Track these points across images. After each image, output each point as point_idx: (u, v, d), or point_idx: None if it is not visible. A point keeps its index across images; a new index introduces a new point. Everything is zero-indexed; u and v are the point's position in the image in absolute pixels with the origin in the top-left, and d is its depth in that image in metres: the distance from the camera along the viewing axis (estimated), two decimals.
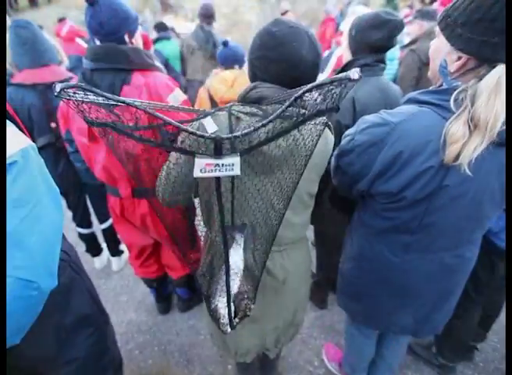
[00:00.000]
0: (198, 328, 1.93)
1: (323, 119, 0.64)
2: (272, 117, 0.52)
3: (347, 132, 0.94)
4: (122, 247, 2.42)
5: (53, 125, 1.73)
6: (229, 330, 0.79)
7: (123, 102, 0.50)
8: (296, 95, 0.52)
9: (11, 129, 0.67)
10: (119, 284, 2.30)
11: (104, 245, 2.42)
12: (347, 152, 0.91)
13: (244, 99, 0.82)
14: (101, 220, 2.23)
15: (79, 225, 2.19)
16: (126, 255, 2.44)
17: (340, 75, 0.50)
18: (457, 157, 0.73)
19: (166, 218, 0.89)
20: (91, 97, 0.51)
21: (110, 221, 2.21)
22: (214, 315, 0.80)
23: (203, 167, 0.52)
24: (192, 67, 3.30)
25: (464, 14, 0.69)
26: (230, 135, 0.51)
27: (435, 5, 3.95)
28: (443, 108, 0.77)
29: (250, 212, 0.81)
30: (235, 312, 0.78)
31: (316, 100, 0.56)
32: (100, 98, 0.51)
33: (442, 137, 0.75)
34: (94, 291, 1.04)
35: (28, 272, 0.60)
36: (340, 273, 1.21)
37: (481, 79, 0.70)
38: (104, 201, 1.69)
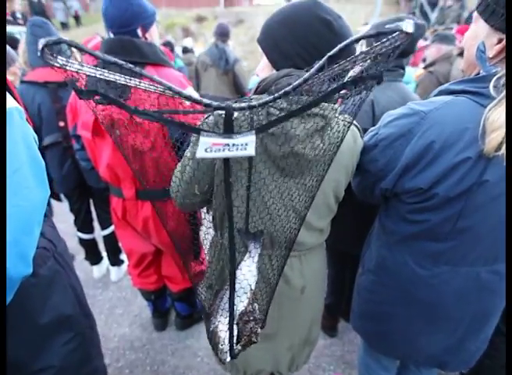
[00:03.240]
0: (195, 349, 1.78)
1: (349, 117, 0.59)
2: (297, 83, 0.43)
3: (370, 129, 0.88)
4: (123, 256, 2.33)
5: (61, 124, 1.72)
6: (229, 359, 0.65)
7: (115, 63, 0.42)
8: (330, 53, 0.44)
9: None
10: (115, 296, 2.17)
11: (104, 254, 2.34)
12: (370, 148, 0.84)
13: (271, 86, 0.70)
14: (103, 226, 2.17)
15: (80, 230, 2.13)
16: (126, 265, 2.34)
17: (389, 26, 0.41)
18: (499, 147, 0.64)
19: (170, 223, 0.81)
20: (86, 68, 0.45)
21: (112, 228, 2.14)
22: (212, 338, 0.66)
23: (209, 146, 0.42)
24: (205, 83, 3.43)
25: None
26: (244, 105, 0.43)
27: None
28: (481, 95, 0.69)
29: (267, 217, 0.70)
30: (238, 336, 0.64)
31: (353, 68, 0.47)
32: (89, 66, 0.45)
33: (481, 125, 0.66)
34: (80, 290, 0.94)
35: None
36: (356, 289, 1.08)
37: None
38: (108, 207, 1.64)
